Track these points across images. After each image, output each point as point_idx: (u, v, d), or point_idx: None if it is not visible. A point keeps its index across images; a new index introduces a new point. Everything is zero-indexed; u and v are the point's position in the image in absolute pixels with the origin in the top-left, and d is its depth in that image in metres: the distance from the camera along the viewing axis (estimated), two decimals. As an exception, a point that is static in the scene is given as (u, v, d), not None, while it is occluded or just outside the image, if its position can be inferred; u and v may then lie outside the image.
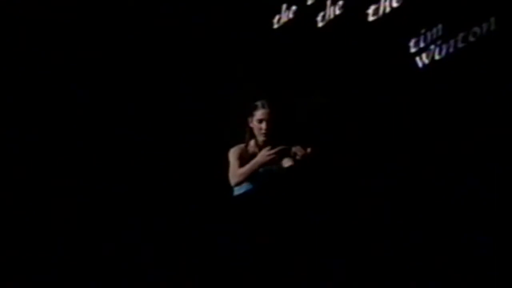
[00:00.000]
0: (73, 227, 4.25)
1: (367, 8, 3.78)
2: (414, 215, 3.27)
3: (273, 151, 3.30)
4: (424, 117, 3.39)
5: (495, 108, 3.09)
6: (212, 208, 3.89)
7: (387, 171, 3.45)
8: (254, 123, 3.54)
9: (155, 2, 4.61)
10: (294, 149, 3.38)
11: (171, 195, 4.30)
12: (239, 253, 3.42)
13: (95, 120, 4.52)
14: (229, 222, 3.55)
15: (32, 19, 4.58)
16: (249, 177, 3.44)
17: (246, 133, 3.59)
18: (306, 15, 4.12)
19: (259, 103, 3.55)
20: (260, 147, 3.54)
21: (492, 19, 3.18)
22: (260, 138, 3.53)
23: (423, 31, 3.48)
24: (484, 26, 3.21)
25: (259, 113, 3.52)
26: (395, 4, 3.65)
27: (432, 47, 3.42)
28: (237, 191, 3.57)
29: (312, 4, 4.10)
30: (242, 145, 3.61)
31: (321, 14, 4.03)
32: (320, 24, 4.03)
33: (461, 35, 3.30)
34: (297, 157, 3.35)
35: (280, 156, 3.37)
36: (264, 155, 3.34)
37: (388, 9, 3.68)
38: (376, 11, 3.74)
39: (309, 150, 3.36)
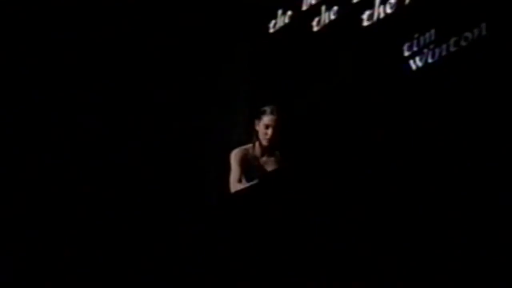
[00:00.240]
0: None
1: (362, 13, 3.90)
2: (409, 216, 3.28)
3: None
4: (417, 117, 3.49)
5: (486, 108, 3.20)
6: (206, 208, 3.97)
7: (381, 172, 3.47)
8: (260, 127, 3.62)
9: (152, 9, 4.73)
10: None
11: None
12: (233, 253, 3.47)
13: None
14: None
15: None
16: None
17: (253, 136, 3.66)
18: (301, 20, 4.25)
19: (267, 109, 3.63)
20: (262, 152, 3.62)
21: (483, 25, 3.31)
22: (264, 143, 3.60)
23: (416, 35, 3.59)
24: (476, 31, 3.33)
25: (266, 119, 3.59)
26: (388, 10, 3.78)
27: (425, 50, 3.54)
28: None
29: (307, 10, 4.22)
30: (244, 148, 3.70)
31: (316, 19, 4.15)
32: (315, 29, 4.15)
33: (453, 39, 3.42)
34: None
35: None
36: None
37: (382, 15, 3.81)
38: (370, 17, 3.87)
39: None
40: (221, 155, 4.18)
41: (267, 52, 4.40)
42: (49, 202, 4.37)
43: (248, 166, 3.64)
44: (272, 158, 3.71)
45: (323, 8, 4.13)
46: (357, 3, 3.95)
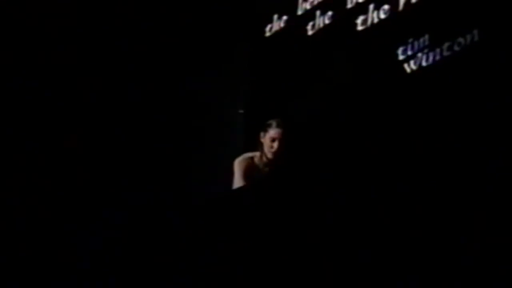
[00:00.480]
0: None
1: (356, 18, 4.05)
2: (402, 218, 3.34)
3: None
4: (412, 119, 3.61)
5: (479, 108, 3.34)
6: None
7: (377, 174, 3.52)
8: (266, 140, 3.65)
9: (149, 16, 4.84)
10: None
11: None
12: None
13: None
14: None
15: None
16: None
17: (259, 146, 3.69)
18: (296, 24, 4.38)
19: (273, 122, 3.66)
20: (266, 164, 3.66)
21: (475, 31, 3.47)
22: (269, 156, 3.64)
23: (410, 40, 3.73)
24: (468, 37, 3.49)
25: (273, 132, 3.62)
26: (382, 16, 3.93)
27: (419, 55, 3.68)
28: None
29: (302, 15, 4.36)
30: (248, 156, 3.75)
31: (311, 23, 4.30)
32: (310, 33, 4.29)
33: (446, 44, 3.57)
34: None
35: None
36: None
37: (376, 20, 3.96)
38: (364, 22, 4.01)
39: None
40: (209, 155, 4.35)
41: (263, 55, 4.53)
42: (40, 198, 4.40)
43: (251, 176, 3.65)
44: None
45: (318, 13, 4.27)
46: (351, 8, 4.08)
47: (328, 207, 3.39)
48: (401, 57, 3.79)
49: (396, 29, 3.86)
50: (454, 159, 3.22)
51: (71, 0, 4.76)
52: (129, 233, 4.02)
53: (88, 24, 4.79)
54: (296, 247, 3.36)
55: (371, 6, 4.00)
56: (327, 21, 4.23)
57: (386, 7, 3.93)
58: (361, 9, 4.05)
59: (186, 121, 4.73)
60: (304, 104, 4.19)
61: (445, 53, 3.60)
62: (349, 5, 4.12)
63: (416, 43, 3.74)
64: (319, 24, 4.26)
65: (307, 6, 4.35)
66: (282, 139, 3.62)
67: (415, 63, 3.72)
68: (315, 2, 4.29)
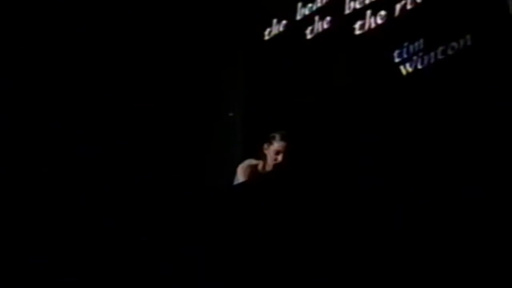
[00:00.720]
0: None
1: (353, 23, 4.21)
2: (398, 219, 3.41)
3: None
4: (408, 119, 3.71)
5: (472, 110, 3.46)
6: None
7: (373, 175, 3.59)
8: (270, 152, 3.71)
9: (150, 18, 4.93)
10: None
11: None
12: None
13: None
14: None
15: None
16: None
17: (261, 156, 3.74)
18: (295, 28, 4.53)
19: (278, 135, 3.72)
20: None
21: (468, 36, 3.64)
22: (272, 167, 3.67)
23: (406, 44, 3.89)
24: (461, 41, 3.66)
25: (277, 145, 3.69)
26: (379, 21, 4.11)
27: (414, 58, 3.84)
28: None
29: (301, 20, 4.52)
30: (252, 164, 3.80)
31: (310, 28, 4.45)
32: (308, 37, 4.44)
33: (440, 48, 3.74)
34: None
35: None
36: None
37: (373, 25, 4.13)
38: (362, 27, 4.18)
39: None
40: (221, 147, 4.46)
41: (261, 58, 4.65)
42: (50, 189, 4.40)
43: None
44: None
45: (316, 18, 4.43)
46: (349, 14, 4.26)
47: (329, 206, 3.51)
48: (396, 60, 3.93)
49: (392, 33, 4.02)
50: (450, 158, 3.36)
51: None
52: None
53: (89, 26, 4.86)
54: (297, 246, 3.47)
55: (368, 12, 4.17)
56: (325, 26, 4.38)
57: (382, 13, 4.11)
58: (358, 15, 4.21)
59: (186, 121, 4.80)
60: (302, 106, 4.28)
61: (439, 56, 3.76)
62: (347, 11, 4.29)
63: (411, 47, 3.88)
64: (317, 29, 4.41)
65: (306, 11, 4.50)
66: (286, 152, 3.67)
67: (410, 66, 3.86)
68: (314, 8, 4.46)
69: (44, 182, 4.38)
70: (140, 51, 4.89)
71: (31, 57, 4.68)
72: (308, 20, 4.49)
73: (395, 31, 4.03)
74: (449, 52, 3.73)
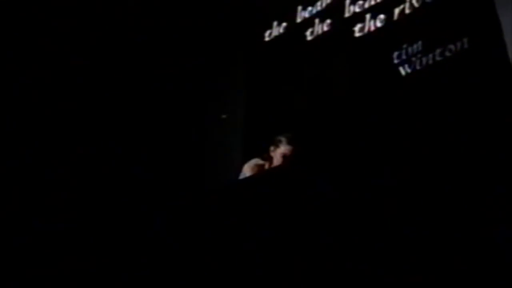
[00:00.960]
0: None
1: (353, 26, 4.34)
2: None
3: None
4: (406, 119, 3.83)
5: (469, 109, 3.60)
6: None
7: (373, 173, 3.69)
8: (276, 155, 3.74)
9: (151, 19, 5.04)
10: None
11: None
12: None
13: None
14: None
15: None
16: None
17: (267, 158, 3.77)
18: (295, 30, 4.65)
19: (284, 138, 3.76)
20: None
21: (465, 39, 3.78)
22: None
23: (404, 46, 4.01)
24: (458, 44, 3.80)
25: (284, 148, 3.72)
26: (379, 24, 4.25)
27: (413, 59, 3.95)
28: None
29: (301, 22, 4.64)
30: (259, 163, 3.83)
31: (310, 30, 4.57)
32: (309, 38, 4.55)
33: (438, 50, 3.86)
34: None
35: None
36: None
37: (372, 28, 4.26)
38: (361, 29, 4.31)
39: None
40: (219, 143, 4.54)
41: (261, 59, 4.75)
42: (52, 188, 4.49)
43: None
44: None
45: (317, 21, 4.56)
46: (348, 17, 4.40)
47: (330, 206, 3.60)
48: (396, 61, 4.04)
49: (391, 36, 4.15)
50: (448, 158, 3.47)
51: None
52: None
53: (88, 26, 4.96)
54: (298, 244, 3.57)
55: (368, 16, 4.32)
56: (325, 28, 4.50)
57: (382, 16, 4.25)
58: (358, 18, 4.35)
59: (186, 121, 4.88)
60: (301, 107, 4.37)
61: (438, 58, 3.88)
62: (346, 15, 4.44)
63: (410, 49, 4.00)
64: (317, 31, 4.53)
65: (306, 14, 4.64)
66: (293, 156, 3.72)
67: (409, 67, 3.98)
68: (314, 11, 4.60)
69: (44, 182, 4.50)
70: (141, 52, 5.02)
71: (31, 57, 4.80)
72: (308, 23, 4.61)
73: (394, 33, 4.16)
74: (447, 54, 3.86)
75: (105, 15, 5.00)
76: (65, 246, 4.26)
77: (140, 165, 4.66)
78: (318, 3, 4.63)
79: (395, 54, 4.10)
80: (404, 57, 4.06)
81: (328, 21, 4.54)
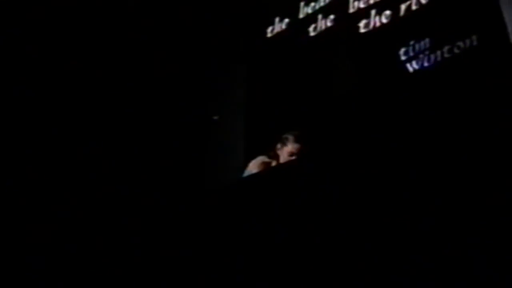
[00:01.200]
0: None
1: (358, 22, 4.30)
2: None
3: None
4: (414, 116, 3.81)
5: (477, 108, 3.61)
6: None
7: (379, 171, 3.70)
8: (283, 153, 3.73)
9: (151, 18, 5.00)
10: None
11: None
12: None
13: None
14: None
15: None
16: None
17: (273, 156, 3.76)
18: (298, 26, 4.60)
19: (291, 136, 3.75)
20: None
21: (474, 37, 3.76)
22: None
23: (412, 42, 3.98)
24: (467, 41, 3.78)
25: (291, 147, 3.71)
26: (384, 20, 4.21)
27: (421, 56, 3.92)
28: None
29: (304, 18, 4.60)
30: (265, 161, 3.81)
31: (313, 25, 4.53)
32: (312, 34, 4.51)
33: (446, 47, 3.84)
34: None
35: None
36: None
37: (378, 24, 4.22)
38: (366, 25, 4.27)
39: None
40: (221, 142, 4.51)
41: (263, 56, 4.70)
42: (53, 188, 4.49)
43: None
44: None
45: (320, 16, 4.52)
46: (353, 13, 4.35)
47: (332, 205, 3.63)
48: (403, 58, 4.01)
49: (397, 32, 4.11)
50: (455, 156, 3.49)
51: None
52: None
53: (88, 26, 4.94)
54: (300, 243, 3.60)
55: (373, 11, 4.27)
56: (329, 24, 4.46)
57: (387, 12, 4.20)
58: (363, 14, 4.30)
59: (186, 121, 4.85)
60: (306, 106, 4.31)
61: (446, 55, 3.86)
62: (351, 10, 4.39)
63: (417, 46, 3.97)
64: (321, 27, 4.49)
65: (309, 10, 4.59)
66: (300, 154, 3.72)
67: (417, 63, 3.95)
68: (317, 7, 4.55)
69: (44, 182, 4.47)
70: (141, 51, 4.98)
71: (31, 57, 4.77)
72: (311, 18, 4.57)
73: (401, 29, 4.12)
74: (456, 51, 3.83)
75: (105, 15, 4.98)
76: (65, 246, 4.27)
77: (140, 165, 4.65)
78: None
79: (402, 50, 4.06)
80: (411, 53, 4.03)
81: (332, 17, 4.49)
